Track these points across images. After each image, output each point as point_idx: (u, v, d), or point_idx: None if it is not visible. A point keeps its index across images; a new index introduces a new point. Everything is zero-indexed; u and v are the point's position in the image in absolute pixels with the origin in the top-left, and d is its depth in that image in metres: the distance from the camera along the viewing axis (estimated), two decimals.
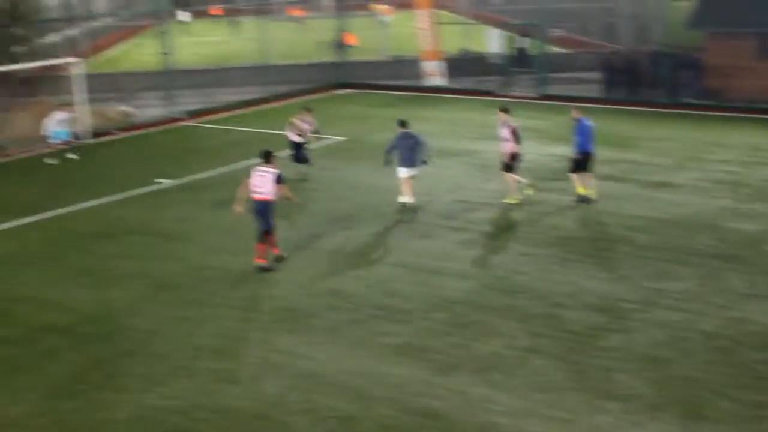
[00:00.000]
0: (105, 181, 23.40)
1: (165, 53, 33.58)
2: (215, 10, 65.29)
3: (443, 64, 37.55)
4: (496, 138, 20.25)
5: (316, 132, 23.26)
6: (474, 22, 45.65)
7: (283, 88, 36.80)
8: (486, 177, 22.13)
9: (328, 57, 40.93)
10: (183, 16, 60.63)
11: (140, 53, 49.63)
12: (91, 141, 29.26)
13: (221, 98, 35.19)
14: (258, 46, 38.35)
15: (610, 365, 12.03)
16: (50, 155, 26.01)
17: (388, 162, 19.95)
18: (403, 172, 19.62)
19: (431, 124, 29.08)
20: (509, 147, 19.55)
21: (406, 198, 19.72)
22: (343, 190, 21.42)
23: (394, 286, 15.16)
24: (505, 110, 19.93)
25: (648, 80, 33.02)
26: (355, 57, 40.92)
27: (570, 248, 16.85)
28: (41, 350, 13.17)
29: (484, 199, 20.28)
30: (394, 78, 38.17)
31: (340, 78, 39.04)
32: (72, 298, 15.17)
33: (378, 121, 30.04)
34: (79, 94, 29.50)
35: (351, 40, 41.45)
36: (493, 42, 38.83)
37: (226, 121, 32.18)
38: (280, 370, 12.20)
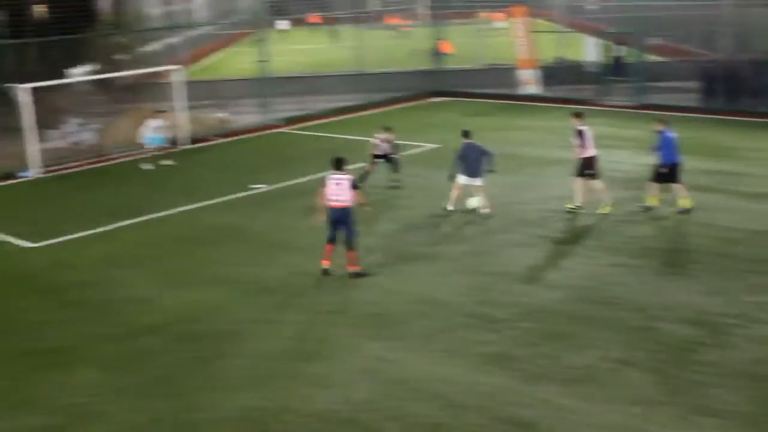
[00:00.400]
0: (201, 186, 23.90)
1: (262, 61, 34.13)
2: (313, 18, 66.03)
3: (538, 73, 37.31)
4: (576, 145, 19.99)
5: (394, 149, 23.13)
6: (570, 30, 45.20)
7: (378, 96, 37.03)
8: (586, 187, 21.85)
9: (423, 65, 41.04)
10: (282, 24, 61.54)
11: (238, 61, 50.54)
12: (189, 147, 29.91)
13: (317, 106, 35.60)
14: (354, 54, 38.63)
15: (708, 380, 11.77)
16: (146, 161, 26.66)
17: (451, 177, 20.04)
18: (464, 180, 19.72)
19: (526, 133, 28.98)
20: (578, 152, 19.47)
21: (470, 201, 19.71)
22: (433, 198, 21.41)
23: (485, 294, 15.12)
24: (576, 115, 19.86)
25: (749, 89, 32.23)
26: (450, 65, 40.94)
27: (664, 259, 16.58)
28: (139, 349, 13.53)
29: (576, 209, 20.06)
30: (489, 86, 38.05)
31: (435, 86, 39.08)
32: (169, 300, 15.53)
33: (472, 129, 29.95)
34: (179, 101, 30.20)
35: (447, 48, 41.49)
36: (589, 50, 38.39)
37: (321, 128, 32.53)
38: (371, 376, 12.28)
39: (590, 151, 19.55)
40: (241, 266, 17.16)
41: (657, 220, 19.00)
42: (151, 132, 26.72)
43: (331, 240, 16.21)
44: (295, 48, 55.25)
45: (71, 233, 19.83)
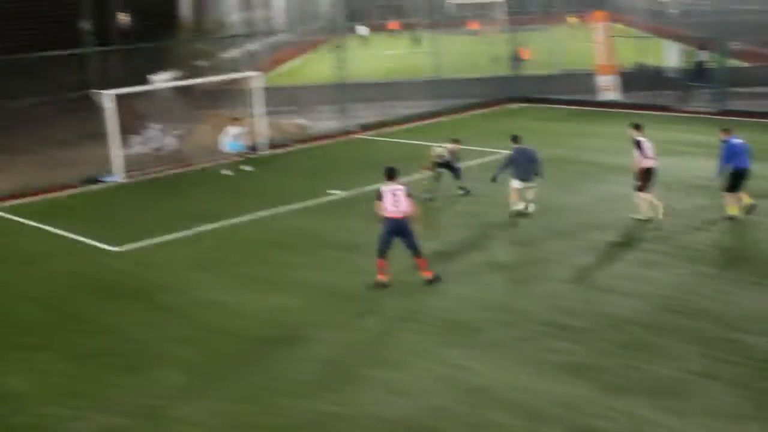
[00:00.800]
0: (280, 191, 24.14)
1: (340, 67, 34.35)
2: (393, 24, 66.37)
3: (617, 78, 36.85)
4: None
5: (455, 159, 23.00)
6: (650, 35, 44.60)
7: (455, 102, 37.00)
8: (661, 194, 21.54)
9: (500, 70, 40.88)
10: (361, 30, 61.98)
11: (316, 67, 50.95)
12: (268, 152, 30.25)
13: (394, 111, 35.70)
14: (432, 60, 38.64)
15: None
16: (226, 166, 27.02)
17: (495, 179, 20.54)
18: (518, 184, 20.11)
19: (604, 140, 28.64)
20: (636, 163, 19.31)
21: (519, 205, 20.12)
22: (506, 205, 21.28)
23: (564, 303, 14.98)
24: (634, 126, 19.75)
25: None
26: (527, 71, 40.70)
27: (746, 270, 16.21)
28: (217, 352, 13.71)
29: (658, 216, 19.76)
30: (566, 92, 37.71)
31: (513, 92, 38.86)
32: (247, 304, 15.72)
33: (549, 135, 29.76)
34: (258, 107, 30.56)
35: (525, 53, 41.26)
36: (669, 55, 37.81)
37: (398, 134, 32.60)
38: (447, 384, 12.26)
39: (649, 162, 19.31)
40: (317, 271, 17.29)
41: (742, 230, 18.62)
42: (230, 139, 27.07)
43: (384, 254, 16.04)
44: (374, 54, 55.58)
45: (153, 237, 20.21)
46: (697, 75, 35.37)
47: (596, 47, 37.12)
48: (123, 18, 41.62)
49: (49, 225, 21.68)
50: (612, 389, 11.84)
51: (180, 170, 28.50)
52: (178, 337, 14.41)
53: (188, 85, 38.35)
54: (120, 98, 27.84)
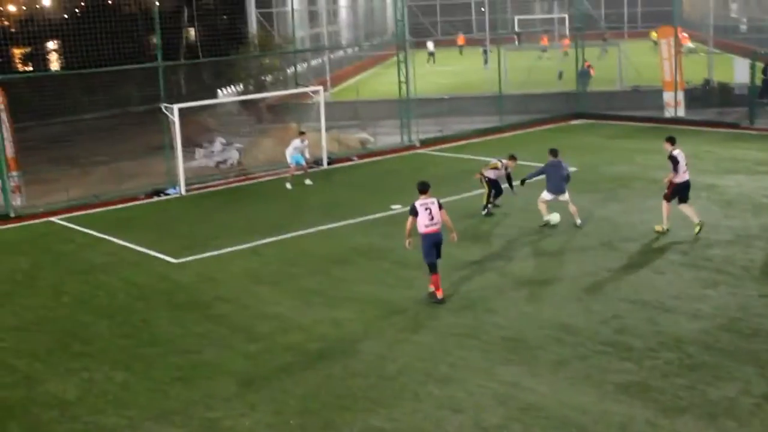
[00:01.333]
0: (341, 205, 24.25)
1: (403, 82, 34.43)
2: (461, 39, 66.33)
3: (684, 95, 36.32)
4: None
5: (507, 176, 22.90)
6: (718, 51, 43.95)
7: (518, 118, 36.86)
8: (726, 213, 21.20)
9: (565, 86, 40.64)
10: (429, 46, 62.15)
11: (380, 82, 51.20)
12: (330, 166, 30.42)
13: (457, 127, 35.67)
14: (496, 75, 38.50)
15: None
16: (288, 180, 27.21)
17: (516, 190, 21.99)
18: (549, 197, 20.61)
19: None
20: (671, 176, 19.45)
21: (551, 216, 20.42)
22: (565, 222, 21.11)
23: (623, 322, 14.77)
24: (668, 139, 19.98)
25: None
26: (592, 87, 40.38)
27: None
28: (275, 366, 13.77)
29: (722, 236, 19.42)
30: (632, 108, 37.30)
31: (577, 108, 38.60)
32: (305, 318, 15.78)
33: (613, 152, 29.49)
34: (321, 121, 30.76)
35: (591, 69, 40.97)
36: (738, 71, 37.16)
37: (459, 149, 32.53)
38: (502, 401, 12.15)
39: (683, 176, 19.46)
40: (376, 286, 17.29)
41: None
42: (293, 151, 27.27)
43: (436, 267, 16.01)
44: (439, 69, 55.63)
45: (214, 249, 20.42)
46: (766, 92, 34.72)
47: (663, 63, 36.62)
48: (191, 33, 42.27)
49: (113, 236, 22.04)
50: (670, 411, 11.61)
51: (242, 183, 28.81)
52: (235, 349, 14.51)
53: (253, 99, 38.85)
54: (186, 112, 28.26)
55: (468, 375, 13.04)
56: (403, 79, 34.43)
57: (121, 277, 18.91)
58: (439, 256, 16.12)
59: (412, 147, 33.49)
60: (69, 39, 39.98)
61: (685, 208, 19.65)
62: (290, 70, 41.63)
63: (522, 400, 12.13)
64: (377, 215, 22.90)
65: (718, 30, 52.14)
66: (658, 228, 19.78)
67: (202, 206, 25.80)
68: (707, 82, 38.39)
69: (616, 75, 41.92)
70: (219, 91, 41.03)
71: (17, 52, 49.64)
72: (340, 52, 58.28)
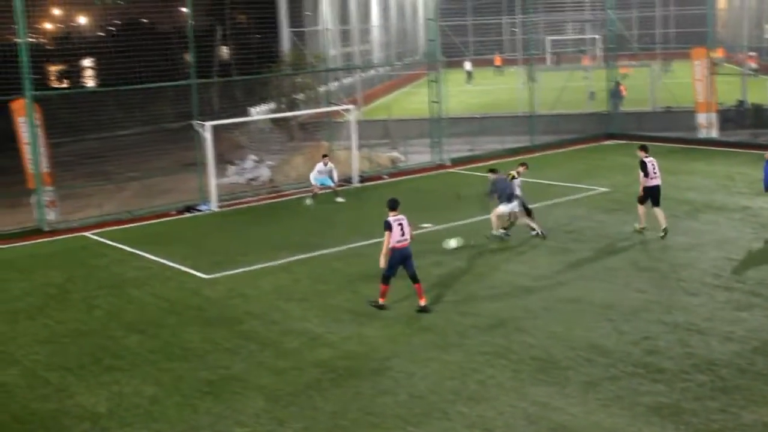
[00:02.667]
0: (371, 223, 24.16)
1: (435, 101, 34.47)
2: (498, 60, 66.19)
3: (717, 116, 36.06)
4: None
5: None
6: (752, 72, 43.66)
7: (549, 138, 36.79)
8: (759, 235, 20.99)
9: (596, 107, 40.54)
10: (467, 65, 62.11)
11: (411, 101, 51.27)
12: (361, 185, 30.48)
13: (487, 146, 35.62)
14: (528, 95, 38.46)
15: None
16: (309, 197, 27.27)
17: (484, 205, 22.14)
18: (505, 208, 21.30)
19: (702, 178, 28.09)
20: (642, 181, 21.22)
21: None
22: (602, 241, 21.00)
23: (654, 343, 14.64)
24: (641, 147, 21.80)
25: None
26: (623, 107, 40.24)
27: None
28: (304, 382, 13.77)
29: (755, 258, 19.24)
30: (665, 129, 37.04)
31: (609, 128, 38.47)
32: (335, 334, 15.79)
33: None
34: (352, 139, 30.84)
35: (623, 90, 40.86)
36: None
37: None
38: (533, 422, 12.07)
39: (654, 181, 21.25)
40: (405, 304, 17.25)
41: None
42: (318, 175, 27.36)
43: (389, 280, 16.96)
44: (471, 88, 55.63)
45: (245, 266, 20.49)
46: None
47: (696, 84, 36.41)
48: (224, 51, 42.60)
49: (145, 251, 22.19)
50: None
51: (273, 200, 28.91)
52: (264, 365, 14.54)
53: (285, 117, 39.04)
54: (218, 129, 28.43)
55: (498, 394, 12.98)
56: (434, 98, 34.48)
57: (153, 292, 19.02)
58: (411, 268, 16.94)
59: (442, 166, 33.49)
60: (104, 56, 40.49)
61: (657, 212, 21.19)
62: (322, 89, 41.80)
63: (553, 421, 12.05)
64: None
65: (754, 51, 51.87)
66: (637, 227, 21.54)
67: (234, 223, 25.91)
68: (741, 103, 38.12)
69: (648, 95, 41.72)
70: (251, 108, 41.24)
71: (53, 69, 50.29)
72: (372, 71, 58.47)
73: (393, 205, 17.18)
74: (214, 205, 27.60)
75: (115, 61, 34.08)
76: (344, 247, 21.84)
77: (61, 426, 12.72)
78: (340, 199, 27.52)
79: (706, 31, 39.86)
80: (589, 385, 13.15)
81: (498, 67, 67.25)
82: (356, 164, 30.98)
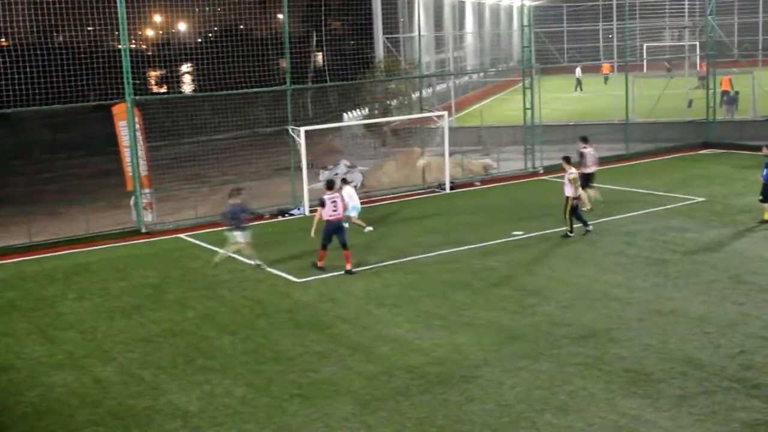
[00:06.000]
0: (462, 230, 24.20)
1: (528, 108, 34.23)
2: (607, 67, 65.04)
3: None
4: None
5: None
6: None
7: (645, 146, 36.20)
8: None
9: (693, 115, 39.77)
10: (577, 72, 61.37)
11: (503, 108, 51.02)
12: (452, 191, 30.42)
13: None
14: (624, 103, 37.87)
15: None
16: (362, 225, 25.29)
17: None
18: (240, 237, 21.37)
19: None
20: (582, 169, 24.61)
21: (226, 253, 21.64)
22: (698, 252, 20.53)
23: (751, 358, 14.25)
24: (581, 138, 26.14)
25: None
26: (722, 116, 39.36)
27: None
28: (393, 388, 13.79)
29: None
30: (765, 138, 35.97)
31: (707, 137, 37.65)
32: (424, 341, 15.77)
33: (743, 183, 28.62)
34: (445, 145, 30.81)
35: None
36: None
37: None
38: None
39: (590, 169, 25.47)
40: (496, 311, 17.16)
41: None
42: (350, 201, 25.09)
43: (326, 247, 20.53)
44: (566, 96, 55.02)
45: (336, 270, 20.62)
46: None
47: None
48: (318, 57, 43.00)
49: (238, 254, 22.49)
50: None
51: (364, 205, 28.95)
52: (353, 370, 14.61)
53: (378, 123, 39.24)
54: (312, 134, 28.68)
55: (588, 405, 12.80)
56: (528, 105, 34.24)
57: (245, 295, 19.30)
58: (343, 237, 20.34)
59: (535, 173, 33.22)
60: (202, 62, 41.28)
61: (589, 191, 24.98)
62: (415, 95, 41.88)
63: None
64: (498, 241, 22.75)
65: None
66: (584, 208, 23.72)
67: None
68: None
69: (749, 104, 40.69)
70: (345, 114, 41.56)
71: (153, 74, 51.51)
72: (465, 78, 58.32)
73: (329, 185, 20.79)
74: (306, 210, 27.86)
75: (212, 66, 34.67)
76: (434, 253, 21.82)
77: (154, 423, 13.00)
78: (369, 228, 25.22)
79: None
80: (682, 399, 12.87)
81: (606, 75, 66.12)
82: (448, 170, 30.94)
